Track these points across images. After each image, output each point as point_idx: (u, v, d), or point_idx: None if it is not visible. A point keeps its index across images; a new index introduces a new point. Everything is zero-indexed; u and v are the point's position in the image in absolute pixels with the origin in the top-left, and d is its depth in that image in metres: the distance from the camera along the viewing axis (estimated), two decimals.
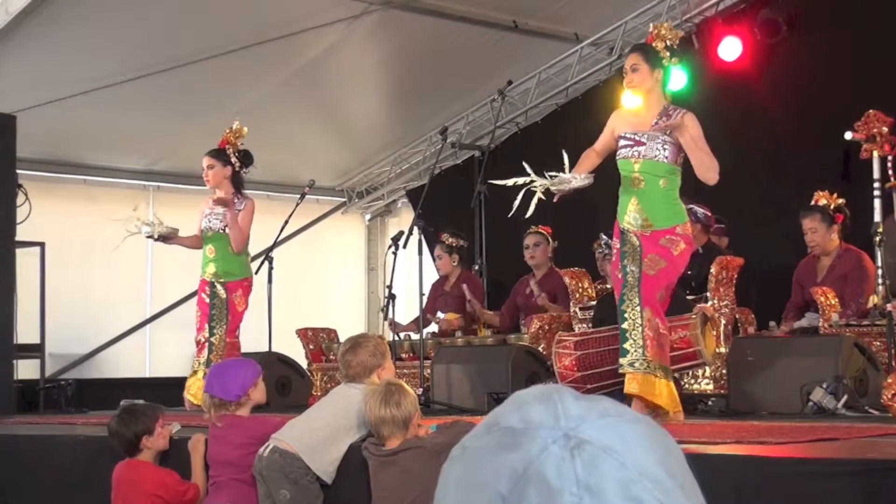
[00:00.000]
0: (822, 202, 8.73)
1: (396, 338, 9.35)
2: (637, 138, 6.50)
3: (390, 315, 8.87)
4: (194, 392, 8.51)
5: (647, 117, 6.57)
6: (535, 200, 6.34)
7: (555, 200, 6.48)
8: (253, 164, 9.12)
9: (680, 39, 6.85)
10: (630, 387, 6.31)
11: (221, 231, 8.91)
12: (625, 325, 6.32)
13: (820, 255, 8.79)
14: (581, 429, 1.04)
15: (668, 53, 6.65)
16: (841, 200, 8.75)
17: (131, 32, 10.43)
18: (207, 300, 8.90)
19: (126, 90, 11.01)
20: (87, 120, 11.63)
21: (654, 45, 6.66)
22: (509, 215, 6.47)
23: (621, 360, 6.32)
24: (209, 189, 9.12)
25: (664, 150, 6.44)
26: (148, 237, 8.98)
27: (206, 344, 8.80)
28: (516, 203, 6.37)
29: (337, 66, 12.01)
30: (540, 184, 6.32)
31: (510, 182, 6.43)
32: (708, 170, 6.40)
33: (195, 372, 8.78)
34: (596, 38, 12.07)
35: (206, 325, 8.85)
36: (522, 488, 1.01)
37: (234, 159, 8.96)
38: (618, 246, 6.59)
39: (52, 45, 10.21)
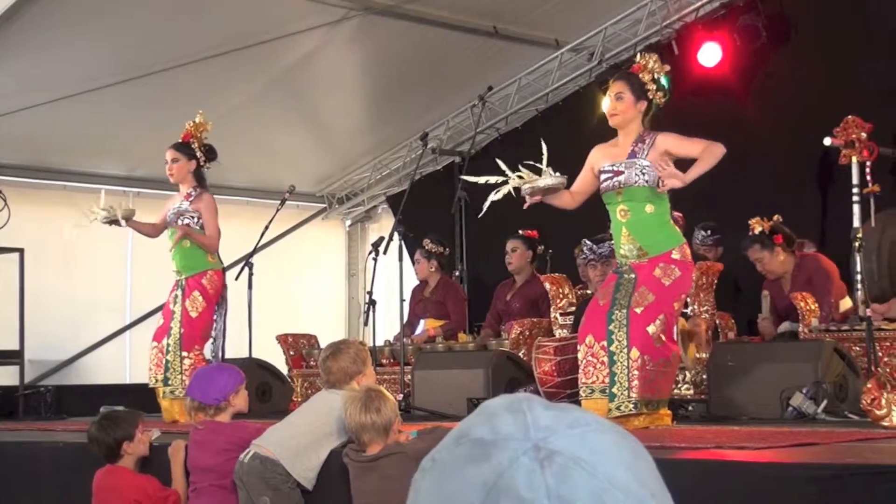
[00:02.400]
0: (758, 229, 8.72)
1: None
2: (616, 168, 6.44)
3: (371, 321, 8.86)
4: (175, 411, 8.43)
5: (624, 147, 6.52)
6: (494, 195, 6.32)
7: (525, 206, 6.49)
8: (217, 158, 8.93)
9: (661, 57, 6.79)
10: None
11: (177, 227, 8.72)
12: (615, 369, 6.22)
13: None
14: (551, 439, 1.03)
15: (654, 86, 6.57)
16: (776, 218, 8.74)
17: (112, 38, 10.40)
18: (171, 306, 8.71)
19: (106, 96, 10.98)
20: (67, 125, 11.59)
21: (640, 75, 6.57)
22: (479, 215, 6.45)
23: (609, 405, 6.19)
24: (173, 181, 8.91)
25: (643, 174, 6.37)
26: (106, 222, 8.66)
27: (163, 361, 8.60)
28: (487, 203, 6.38)
29: (317, 71, 12.00)
30: (512, 182, 6.30)
31: (483, 180, 6.44)
32: (716, 158, 6.34)
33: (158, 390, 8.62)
34: (576, 43, 12.09)
35: (164, 339, 8.63)
36: (494, 501, 1.00)
37: (198, 153, 8.79)
38: (614, 270, 6.60)
39: (30, 50, 10.18)
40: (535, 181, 6.33)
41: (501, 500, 1.00)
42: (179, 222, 8.69)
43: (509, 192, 6.33)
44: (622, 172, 6.41)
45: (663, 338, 6.24)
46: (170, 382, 8.48)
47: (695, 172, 6.29)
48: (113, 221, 8.64)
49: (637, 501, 1.02)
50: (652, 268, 6.33)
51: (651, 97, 6.56)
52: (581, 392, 6.41)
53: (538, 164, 6.35)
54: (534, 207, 6.57)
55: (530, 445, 1.03)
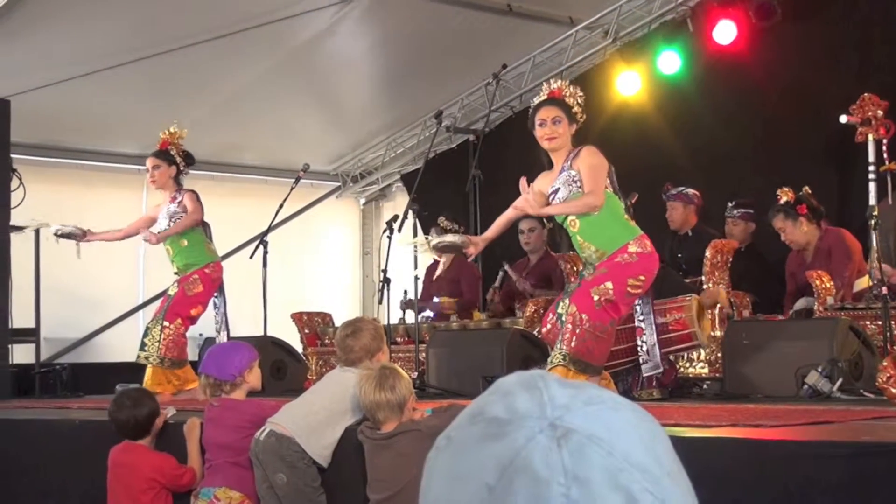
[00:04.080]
0: (783, 199, 8.69)
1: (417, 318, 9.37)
2: (554, 188, 6.65)
3: (385, 299, 8.85)
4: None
5: (557, 167, 6.71)
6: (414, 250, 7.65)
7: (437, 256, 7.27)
8: (195, 163, 9.27)
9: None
10: None
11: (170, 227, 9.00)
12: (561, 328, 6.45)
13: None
14: (567, 418, 1.03)
15: (580, 109, 6.78)
16: (805, 189, 8.70)
17: (125, 16, 10.40)
18: (169, 292, 9.06)
19: (120, 74, 10.99)
20: (81, 104, 11.61)
21: (567, 100, 6.78)
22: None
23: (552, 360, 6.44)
24: (155, 187, 9.21)
25: (576, 183, 6.54)
26: (57, 235, 9.22)
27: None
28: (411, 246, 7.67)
29: (331, 49, 11.98)
30: (420, 244, 7.25)
31: (406, 243, 7.78)
32: (585, 207, 6.50)
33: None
34: (590, 21, 12.05)
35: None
36: (510, 479, 1.00)
37: (178, 159, 9.08)
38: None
39: (46, 28, 10.18)
40: (442, 240, 7.19)
41: (517, 480, 1.00)
42: (167, 220, 8.98)
43: None
44: (559, 189, 6.62)
45: (604, 303, 6.34)
46: (146, 348, 8.72)
47: (554, 210, 6.64)
48: (66, 235, 9.15)
49: (653, 480, 1.02)
50: (613, 258, 6.47)
51: (579, 119, 6.80)
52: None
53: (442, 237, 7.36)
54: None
55: (547, 424, 1.02)
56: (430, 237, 7.33)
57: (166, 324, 8.76)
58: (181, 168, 9.12)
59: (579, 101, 6.79)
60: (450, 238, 7.24)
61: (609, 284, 6.33)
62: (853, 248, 8.48)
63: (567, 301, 6.44)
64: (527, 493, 0.99)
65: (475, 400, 1.10)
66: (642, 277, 6.46)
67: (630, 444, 1.03)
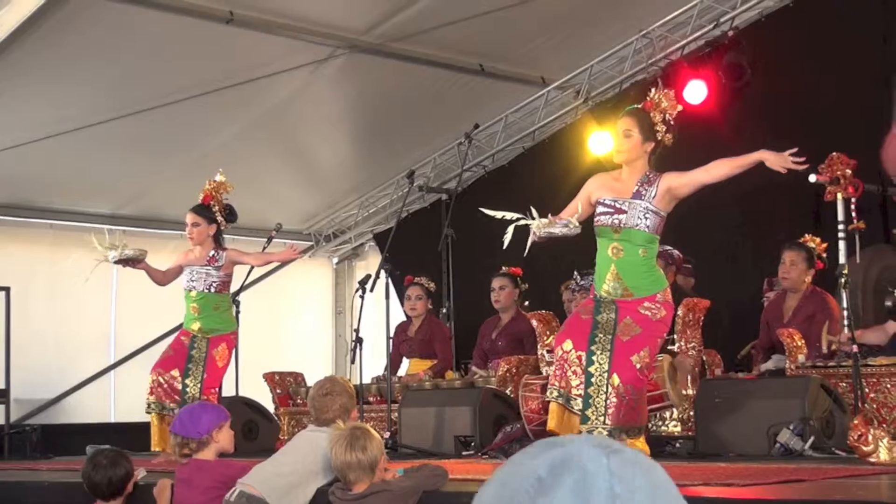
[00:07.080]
0: (811, 244, 8.60)
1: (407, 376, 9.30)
2: (618, 206, 6.34)
3: (357, 359, 8.83)
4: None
5: (629, 184, 6.40)
6: (510, 231, 6.16)
7: (528, 245, 6.30)
8: (236, 220, 9.01)
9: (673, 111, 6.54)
10: None
11: (206, 291, 8.78)
12: (590, 391, 6.16)
13: (788, 293, 8.72)
14: (616, 446, 1.20)
15: (663, 127, 6.46)
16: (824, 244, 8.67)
17: (97, 77, 10.41)
18: (186, 344, 8.73)
19: (92, 134, 10.98)
20: (53, 164, 11.58)
21: (651, 114, 6.46)
22: (504, 247, 6.24)
23: (581, 426, 6.15)
24: (192, 244, 8.91)
25: (646, 219, 6.30)
26: (115, 262, 8.60)
27: (179, 396, 8.58)
28: (507, 238, 6.15)
29: (304, 109, 12.02)
30: (535, 224, 6.13)
31: (500, 215, 6.22)
32: (722, 174, 6.45)
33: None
34: (562, 81, 12.14)
35: (178, 372, 8.63)
36: (559, 473, 1.16)
37: (219, 217, 8.82)
38: (591, 297, 6.53)
39: (16, 89, 10.18)
40: (552, 226, 6.15)
41: (566, 474, 1.16)
42: (211, 288, 8.78)
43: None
44: (624, 212, 6.33)
45: (643, 368, 6.23)
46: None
47: (694, 187, 6.43)
48: (125, 261, 8.60)
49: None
50: (637, 305, 6.30)
51: (660, 138, 6.48)
52: (549, 393, 6.36)
53: (552, 219, 6.22)
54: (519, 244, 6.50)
55: (597, 443, 1.19)
56: (535, 222, 6.11)
57: (204, 398, 8.47)
58: (222, 227, 8.87)
59: (666, 118, 6.43)
60: (559, 230, 6.10)
61: (647, 350, 6.18)
62: (835, 315, 8.36)
63: (606, 365, 6.14)
64: (573, 481, 1.15)
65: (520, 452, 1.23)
66: (665, 335, 6.45)
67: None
